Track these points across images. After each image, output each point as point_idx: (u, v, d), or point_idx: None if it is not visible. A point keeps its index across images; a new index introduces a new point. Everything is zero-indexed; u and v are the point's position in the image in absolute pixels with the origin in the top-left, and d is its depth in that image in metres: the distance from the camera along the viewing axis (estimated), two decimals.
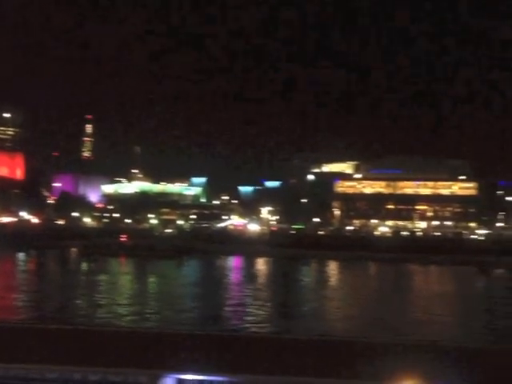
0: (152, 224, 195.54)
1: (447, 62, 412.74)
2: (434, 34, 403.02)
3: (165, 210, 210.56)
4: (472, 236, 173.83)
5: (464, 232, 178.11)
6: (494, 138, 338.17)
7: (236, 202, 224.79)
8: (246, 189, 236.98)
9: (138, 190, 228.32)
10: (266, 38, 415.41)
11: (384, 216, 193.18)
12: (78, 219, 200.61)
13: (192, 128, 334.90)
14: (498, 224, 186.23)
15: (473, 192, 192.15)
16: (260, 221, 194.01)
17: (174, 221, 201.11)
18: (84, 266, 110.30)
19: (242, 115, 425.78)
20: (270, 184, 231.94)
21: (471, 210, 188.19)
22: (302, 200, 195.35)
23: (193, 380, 7.55)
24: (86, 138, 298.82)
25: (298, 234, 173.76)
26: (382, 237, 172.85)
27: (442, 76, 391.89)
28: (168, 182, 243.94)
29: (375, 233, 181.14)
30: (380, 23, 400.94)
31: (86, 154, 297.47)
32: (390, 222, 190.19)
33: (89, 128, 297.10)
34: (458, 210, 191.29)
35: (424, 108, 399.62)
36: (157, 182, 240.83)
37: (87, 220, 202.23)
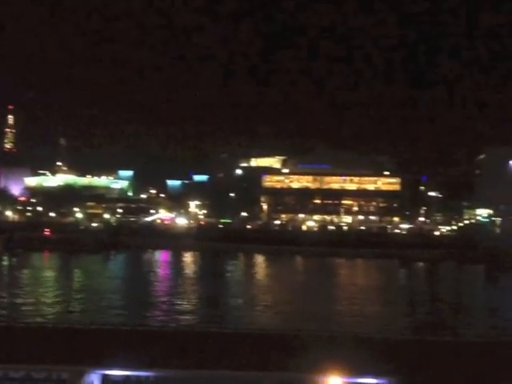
0: (77, 218, 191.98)
1: (370, 56, 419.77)
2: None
3: (90, 203, 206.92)
4: (395, 230, 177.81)
5: (388, 226, 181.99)
6: (417, 134, 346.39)
7: (163, 195, 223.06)
8: (173, 183, 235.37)
9: (62, 183, 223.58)
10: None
11: (311, 210, 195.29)
12: None
13: (119, 120, 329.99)
14: (420, 218, 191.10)
15: (396, 187, 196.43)
16: (188, 215, 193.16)
17: (100, 215, 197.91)
18: (5, 260, 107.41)
19: (171, 108, 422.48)
20: (198, 178, 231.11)
21: (395, 205, 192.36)
22: (230, 194, 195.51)
23: (118, 375, 7.43)
24: (7, 129, 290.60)
25: (226, 228, 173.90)
26: (309, 231, 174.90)
27: (370, 72, 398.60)
28: (94, 175, 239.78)
29: (302, 227, 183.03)
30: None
31: (8, 145, 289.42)
32: (316, 217, 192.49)
33: (10, 119, 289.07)
34: (383, 204, 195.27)
35: (350, 104, 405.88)
36: (82, 175, 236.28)
37: (9, 214, 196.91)
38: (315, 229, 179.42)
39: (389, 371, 7.41)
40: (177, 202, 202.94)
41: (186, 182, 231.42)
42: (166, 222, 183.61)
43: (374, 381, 7.52)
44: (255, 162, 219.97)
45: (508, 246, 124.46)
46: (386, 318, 51.43)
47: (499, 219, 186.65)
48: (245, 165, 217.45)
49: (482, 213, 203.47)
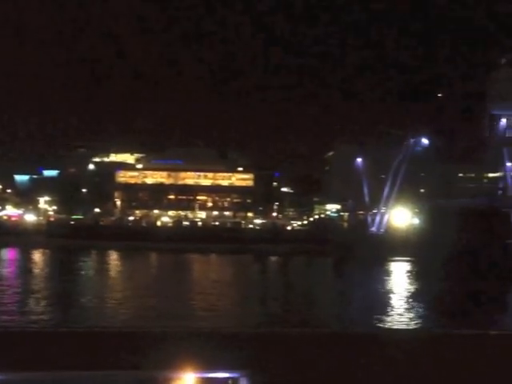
0: None
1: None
2: None
3: None
4: (249, 225, 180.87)
5: (242, 221, 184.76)
6: (269, 130, 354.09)
7: (10, 191, 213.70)
8: (21, 177, 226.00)
9: None
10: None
11: (165, 206, 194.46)
12: None
13: None
14: (273, 214, 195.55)
15: (250, 183, 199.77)
16: (37, 211, 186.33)
17: None
18: None
19: (20, 99, 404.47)
20: (48, 173, 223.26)
21: (248, 201, 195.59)
22: (82, 190, 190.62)
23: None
24: None
25: (77, 224, 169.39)
26: (164, 227, 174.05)
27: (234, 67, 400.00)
28: None
29: (157, 223, 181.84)
30: None
31: None
32: (171, 212, 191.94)
33: None
34: (237, 200, 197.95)
35: (206, 101, 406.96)
36: None
37: None
38: (170, 224, 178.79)
39: (241, 365, 7.35)
40: (25, 197, 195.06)
41: (35, 177, 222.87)
42: (13, 219, 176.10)
43: (227, 375, 7.43)
44: (112, 158, 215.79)
45: (355, 240, 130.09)
46: (238, 312, 52.05)
47: (347, 214, 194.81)
48: (98, 160, 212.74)
49: (332, 208, 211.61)
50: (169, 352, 7.33)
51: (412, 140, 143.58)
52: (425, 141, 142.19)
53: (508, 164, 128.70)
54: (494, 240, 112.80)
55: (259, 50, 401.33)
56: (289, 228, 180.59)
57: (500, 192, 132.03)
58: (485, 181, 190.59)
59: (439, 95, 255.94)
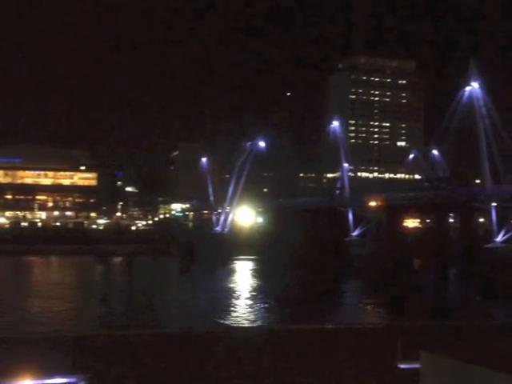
0: None
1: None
2: None
3: None
4: (92, 225, 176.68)
5: (85, 222, 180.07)
6: (114, 129, 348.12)
7: None
8: None
9: None
10: None
11: (2, 206, 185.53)
12: None
13: None
14: (117, 213, 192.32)
15: (93, 182, 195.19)
16: None
17: None
18: None
19: None
20: None
21: (92, 200, 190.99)
22: None
23: None
24: None
25: None
26: (1, 228, 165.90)
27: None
28: None
29: None
30: None
31: None
32: (8, 213, 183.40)
33: None
34: (79, 199, 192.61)
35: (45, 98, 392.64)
36: None
37: None
38: (7, 226, 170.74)
39: (80, 368, 7.15)
40: None
41: None
42: None
43: (65, 380, 7.22)
44: None
45: (200, 239, 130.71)
46: (77, 315, 50.65)
47: (192, 214, 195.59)
48: None
49: (177, 207, 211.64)
50: (3, 360, 7.05)
51: (253, 141, 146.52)
52: (263, 143, 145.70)
53: (345, 165, 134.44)
54: (331, 238, 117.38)
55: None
56: (133, 228, 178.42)
57: (337, 192, 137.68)
58: (324, 181, 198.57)
59: (288, 94, 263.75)
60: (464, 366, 10.68)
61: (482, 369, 10.36)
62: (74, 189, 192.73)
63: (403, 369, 12.82)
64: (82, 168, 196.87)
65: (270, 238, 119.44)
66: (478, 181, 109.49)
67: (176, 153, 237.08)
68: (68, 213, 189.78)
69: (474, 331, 16.39)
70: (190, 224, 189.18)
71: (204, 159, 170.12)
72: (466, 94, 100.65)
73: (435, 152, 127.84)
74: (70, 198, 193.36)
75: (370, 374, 12.89)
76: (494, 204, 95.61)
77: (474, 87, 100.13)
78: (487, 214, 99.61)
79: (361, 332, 17.64)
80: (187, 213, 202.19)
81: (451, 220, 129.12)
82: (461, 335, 14.93)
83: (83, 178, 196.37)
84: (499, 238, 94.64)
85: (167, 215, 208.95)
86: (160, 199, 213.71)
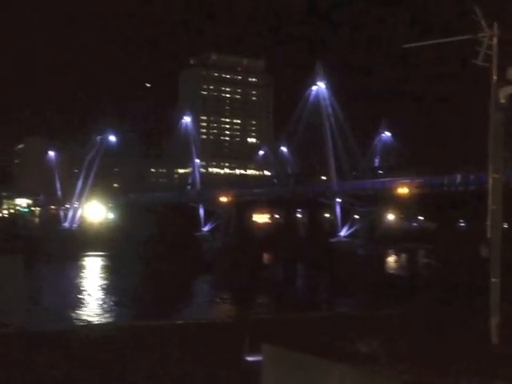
0: None
1: None
2: None
3: None
4: None
5: None
6: None
7: None
8: None
9: None
10: None
11: None
12: None
13: None
14: None
15: None
16: None
17: None
18: None
19: None
20: None
21: None
22: None
23: None
24: None
25: None
26: None
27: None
28: None
29: None
30: None
31: None
32: None
33: None
34: None
35: None
36: None
37: None
38: None
39: None
40: None
41: None
42: None
43: None
44: None
45: (46, 236, 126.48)
46: None
47: (38, 209, 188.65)
48: None
49: (22, 203, 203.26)
50: None
51: (102, 136, 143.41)
52: (113, 137, 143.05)
53: (196, 160, 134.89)
54: (182, 233, 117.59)
55: None
56: None
57: (189, 187, 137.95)
58: (176, 176, 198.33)
59: (147, 85, 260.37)
60: (303, 357, 11.10)
61: (319, 359, 10.82)
62: None
63: (250, 361, 13.14)
64: None
65: (121, 234, 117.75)
66: (324, 177, 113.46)
67: (21, 146, 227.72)
68: None
69: (317, 323, 17.08)
70: (37, 220, 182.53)
71: (52, 153, 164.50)
72: (313, 92, 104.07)
73: (284, 149, 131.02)
74: None
75: (218, 367, 13.10)
76: (339, 200, 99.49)
77: (320, 87, 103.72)
78: (332, 210, 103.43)
79: (210, 326, 17.88)
80: (33, 208, 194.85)
81: (299, 215, 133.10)
82: (305, 327, 15.51)
83: None
84: (343, 233, 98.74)
85: (12, 210, 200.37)
86: (4, 194, 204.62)
